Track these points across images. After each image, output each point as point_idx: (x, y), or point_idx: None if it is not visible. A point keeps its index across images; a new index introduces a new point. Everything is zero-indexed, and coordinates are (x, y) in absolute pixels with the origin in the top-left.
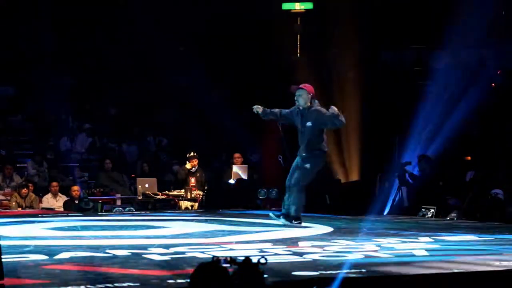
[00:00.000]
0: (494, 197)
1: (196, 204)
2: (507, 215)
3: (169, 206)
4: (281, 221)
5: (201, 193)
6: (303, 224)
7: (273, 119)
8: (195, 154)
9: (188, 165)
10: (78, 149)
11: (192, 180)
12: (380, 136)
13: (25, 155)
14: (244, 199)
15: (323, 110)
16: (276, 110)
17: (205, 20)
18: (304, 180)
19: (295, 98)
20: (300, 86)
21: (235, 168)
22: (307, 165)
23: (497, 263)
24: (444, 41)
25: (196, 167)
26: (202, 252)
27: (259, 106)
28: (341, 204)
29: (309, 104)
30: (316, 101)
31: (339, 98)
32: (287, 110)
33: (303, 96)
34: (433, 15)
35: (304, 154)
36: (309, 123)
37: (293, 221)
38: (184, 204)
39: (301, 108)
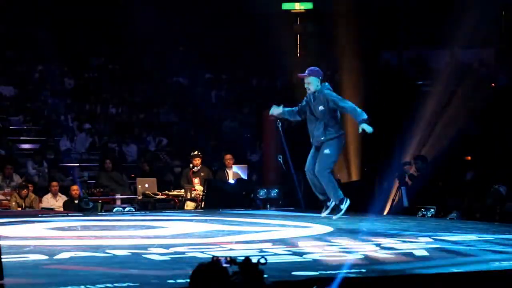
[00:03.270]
0: (496, 190)
1: (203, 204)
2: (507, 211)
3: (169, 206)
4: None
5: (201, 193)
6: (305, 224)
7: (291, 119)
8: (198, 153)
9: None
10: (78, 149)
11: (196, 180)
12: (380, 136)
13: (25, 155)
14: (244, 199)
15: (335, 95)
16: (294, 108)
17: (205, 20)
18: (327, 166)
19: (306, 87)
20: (307, 72)
21: (234, 168)
22: (327, 151)
23: (497, 263)
24: (444, 41)
25: (200, 166)
26: (202, 252)
27: (276, 108)
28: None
29: (319, 87)
30: (327, 83)
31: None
32: (303, 103)
33: (313, 83)
34: (433, 15)
35: (321, 138)
36: (321, 107)
37: (340, 205)
38: (189, 205)
39: (313, 93)
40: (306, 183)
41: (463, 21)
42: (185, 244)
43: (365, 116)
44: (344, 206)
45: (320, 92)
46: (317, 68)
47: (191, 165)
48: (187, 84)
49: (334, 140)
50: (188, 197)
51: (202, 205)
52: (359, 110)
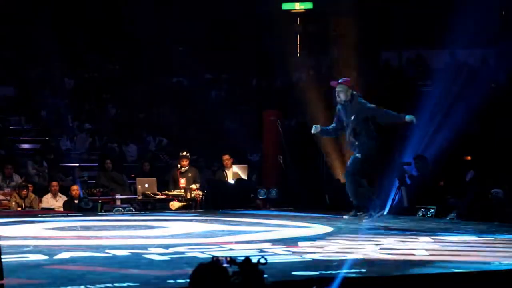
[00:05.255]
0: (494, 197)
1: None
2: (507, 215)
3: (167, 207)
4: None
5: (201, 193)
6: (305, 224)
7: (332, 136)
8: (186, 153)
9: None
10: (78, 149)
11: (182, 181)
12: (380, 136)
13: (25, 155)
14: (244, 199)
15: (366, 103)
16: (330, 126)
17: (205, 20)
18: (356, 169)
19: (336, 94)
20: (339, 81)
21: (234, 168)
22: (358, 154)
23: (497, 263)
24: (444, 41)
25: (187, 167)
26: (202, 252)
27: (317, 126)
28: (341, 204)
29: (350, 97)
30: (354, 92)
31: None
32: (337, 117)
33: (343, 91)
34: (433, 15)
35: (355, 144)
36: (353, 116)
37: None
38: (174, 205)
39: (343, 102)
40: (306, 183)
41: (463, 21)
42: (185, 244)
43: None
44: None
45: (352, 101)
46: (348, 79)
47: (178, 165)
48: (187, 84)
49: (364, 144)
50: (188, 197)
51: (201, 205)
52: (393, 112)
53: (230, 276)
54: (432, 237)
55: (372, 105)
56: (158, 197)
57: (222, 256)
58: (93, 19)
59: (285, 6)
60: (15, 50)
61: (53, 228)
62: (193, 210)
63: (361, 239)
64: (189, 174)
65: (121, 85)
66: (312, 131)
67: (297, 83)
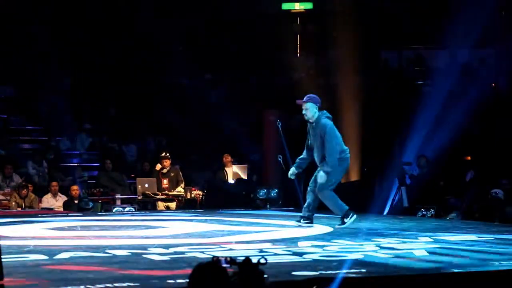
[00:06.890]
0: (494, 197)
1: (173, 204)
2: (506, 215)
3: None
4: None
5: (200, 193)
6: (304, 224)
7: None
8: (166, 154)
9: (157, 166)
10: (78, 149)
11: (165, 181)
12: (380, 136)
13: (25, 155)
14: (244, 199)
15: (329, 132)
16: (302, 156)
17: (205, 20)
18: (328, 183)
19: (303, 113)
20: (305, 99)
21: (234, 168)
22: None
23: (497, 263)
24: (444, 41)
25: (169, 168)
26: (202, 252)
27: (293, 173)
28: None
29: (317, 116)
30: (325, 112)
31: (339, 98)
32: (308, 137)
33: (310, 109)
34: (433, 15)
35: (321, 164)
36: (319, 138)
37: (345, 220)
38: (161, 204)
39: (310, 121)
40: (306, 183)
41: (463, 21)
42: (185, 244)
43: (329, 169)
44: (348, 221)
45: (317, 122)
46: (315, 95)
47: (160, 166)
48: (187, 84)
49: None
50: (188, 197)
51: (202, 205)
52: (332, 158)
53: (229, 277)
54: (432, 237)
55: (329, 133)
56: (158, 197)
57: (222, 256)
58: (93, 19)
59: (285, 6)
60: (15, 50)
61: (53, 228)
62: (193, 210)
63: (361, 239)
64: (172, 174)
65: (121, 85)
66: (291, 177)
67: (297, 83)
